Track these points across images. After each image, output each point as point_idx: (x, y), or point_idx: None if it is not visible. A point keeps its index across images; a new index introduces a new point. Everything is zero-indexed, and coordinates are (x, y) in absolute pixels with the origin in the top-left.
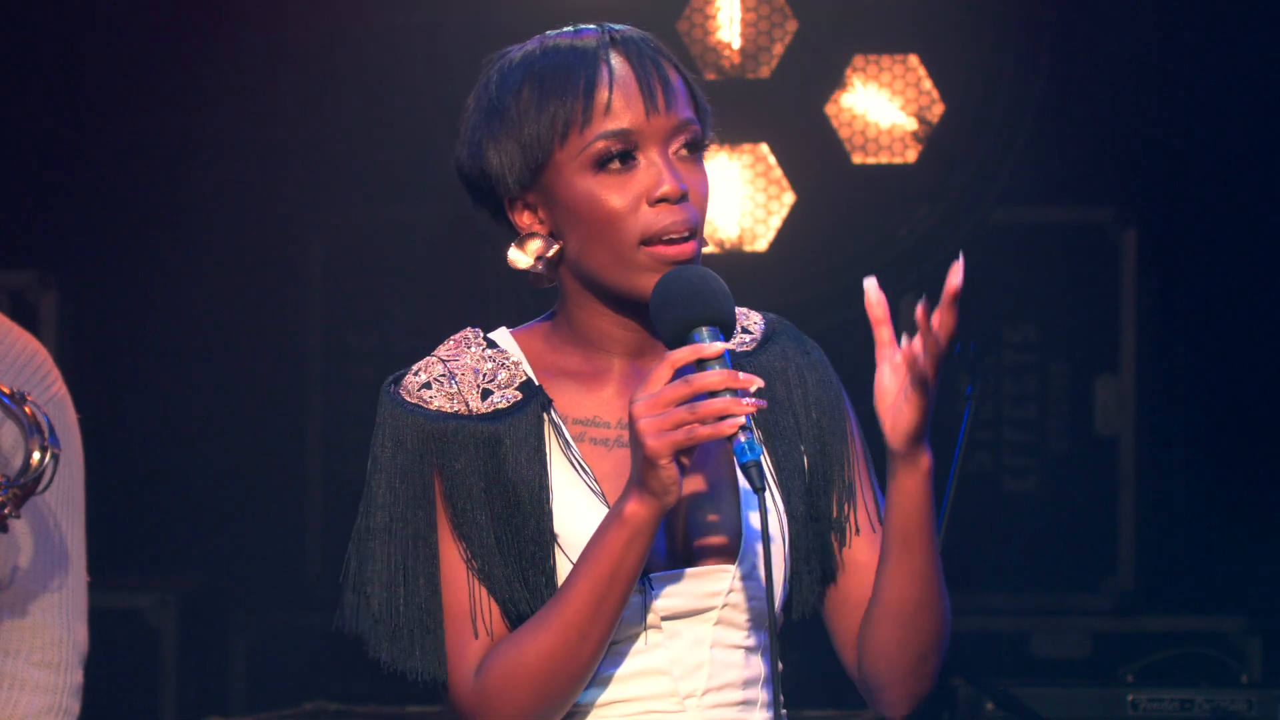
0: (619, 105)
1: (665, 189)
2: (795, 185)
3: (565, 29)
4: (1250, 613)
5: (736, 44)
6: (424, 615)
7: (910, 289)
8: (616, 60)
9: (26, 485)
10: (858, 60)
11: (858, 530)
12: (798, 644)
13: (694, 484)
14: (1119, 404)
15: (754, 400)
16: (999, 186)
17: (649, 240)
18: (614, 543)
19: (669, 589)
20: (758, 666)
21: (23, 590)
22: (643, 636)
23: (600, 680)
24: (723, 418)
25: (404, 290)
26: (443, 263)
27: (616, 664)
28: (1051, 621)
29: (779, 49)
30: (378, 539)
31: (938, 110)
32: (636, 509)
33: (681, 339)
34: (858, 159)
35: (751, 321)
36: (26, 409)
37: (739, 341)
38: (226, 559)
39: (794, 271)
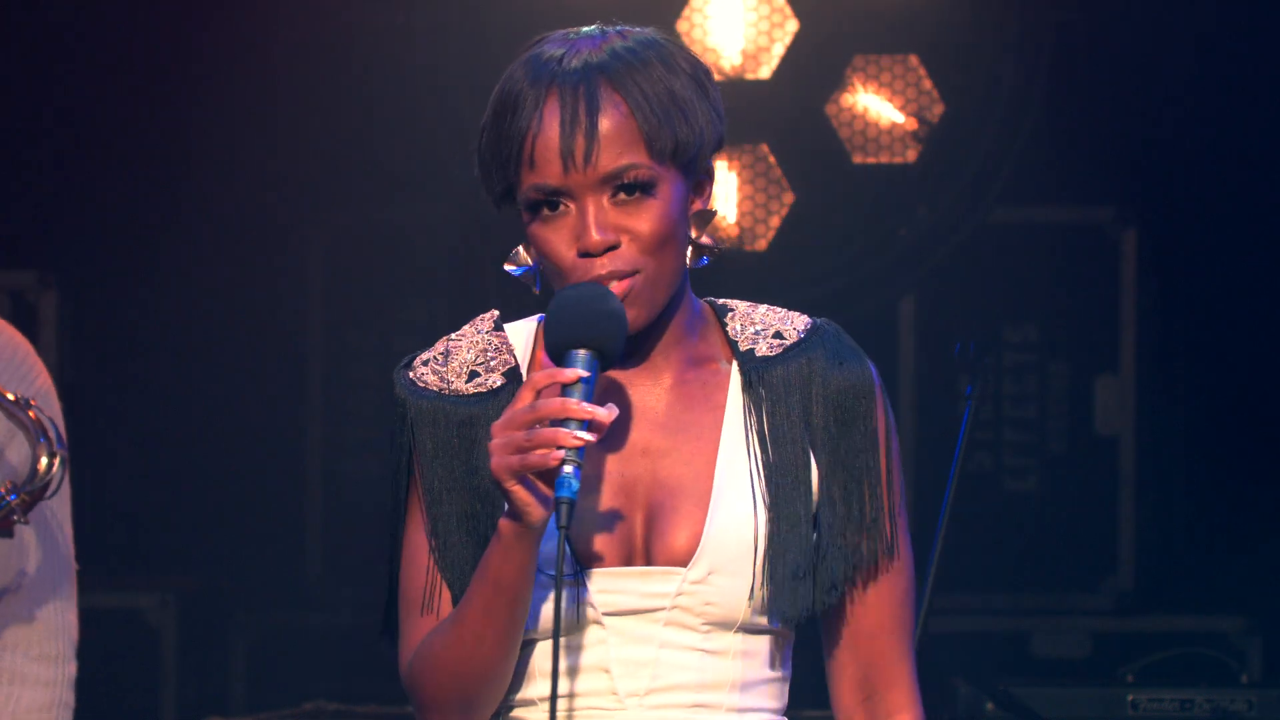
0: (540, 160)
1: (583, 243)
2: (795, 185)
3: (549, 38)
4: (1250, 613)
5: (737, 44)
6: (392, 588)
7: (910, 289)
8: (548, 108)
9: (35, 491)
10: (858, 60)
11: (868, 560)
12: (797, 645)
13: (661, 486)
14: (1119, 404)
15: (584, 434)
16: (999, 186)
17: None
18: (493, 554)
19: (610, 585)
20: (722, 671)
21: (29, 596)
22: (583, 632)
23: (542, 674)
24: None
25: (404, 290)
26: (443, 263)
27: (560, 658)
28: (1051, 621)
29: (779, 49)
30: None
31: (938, 110)
32: (505, 524)
33: (560, 359)
34: (858, 159)
35: (792, 327)
36: (31, 414)
37: (767, 346)
38: (226, 559)
39: (794, 271)
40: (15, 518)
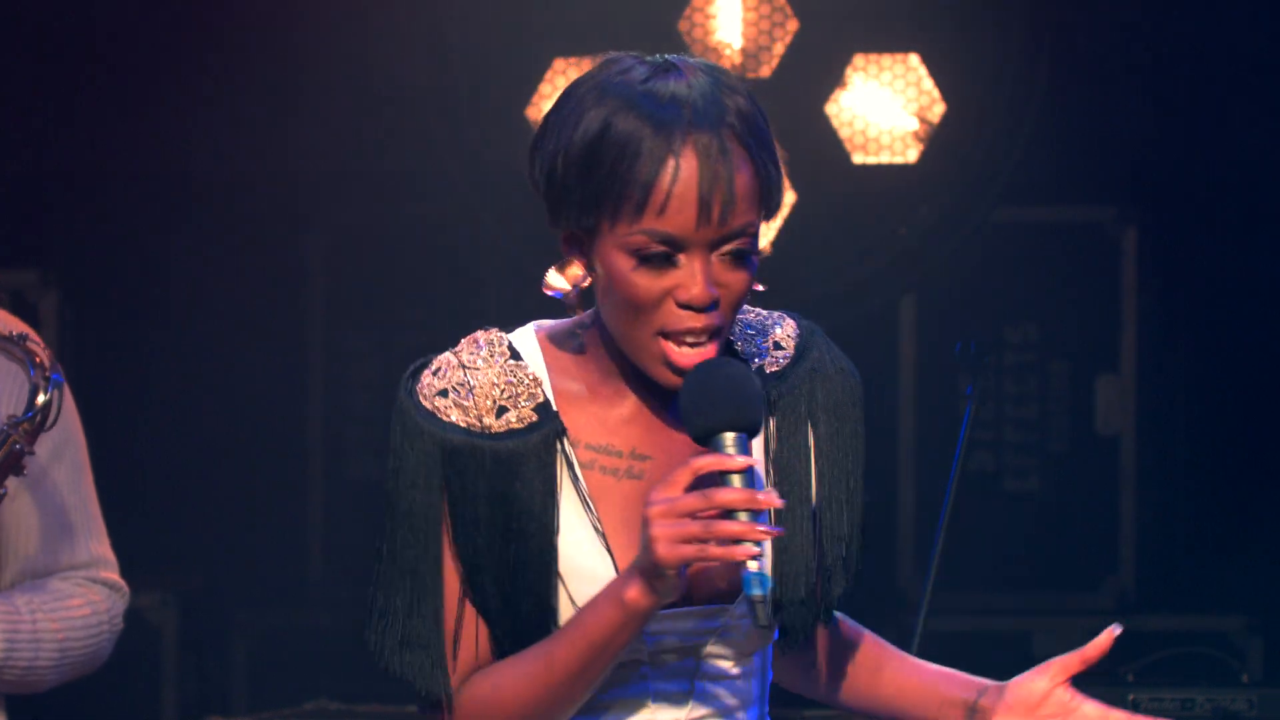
0: (673, 209)
1: (691, 296)
2: (795, 185)
3: (653, 77)
4: (1250, 613)
5: (737, 44)
6: (428, 629)
7: (910, 289)
8: (686, 158)
9: (36, 420)
10: (858, 60)
11: (854, 571)
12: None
13: None
14: (1119, 403)
15: (770, 528)
16: (999, 186)
17: (666, 334)
18: (609, 621)
19: (659, 627)
20: (745, 691)
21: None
22: (626, 668)
23: (580, 707)
24: (738, 541)
25: (404, 290)
26: (443, 263)
27: (599, 692)
28: (1051, 621)
29: (779, 49)
30: (393, 549)
31: (938, 110)
32: (637, 598)
33: (706, 440)
34: (858, 159)
35: (785, 334)
36: (29, 345)
37: (772, 359)
38: (226, 559)
39: (794, 271)
40: (20, 447)
